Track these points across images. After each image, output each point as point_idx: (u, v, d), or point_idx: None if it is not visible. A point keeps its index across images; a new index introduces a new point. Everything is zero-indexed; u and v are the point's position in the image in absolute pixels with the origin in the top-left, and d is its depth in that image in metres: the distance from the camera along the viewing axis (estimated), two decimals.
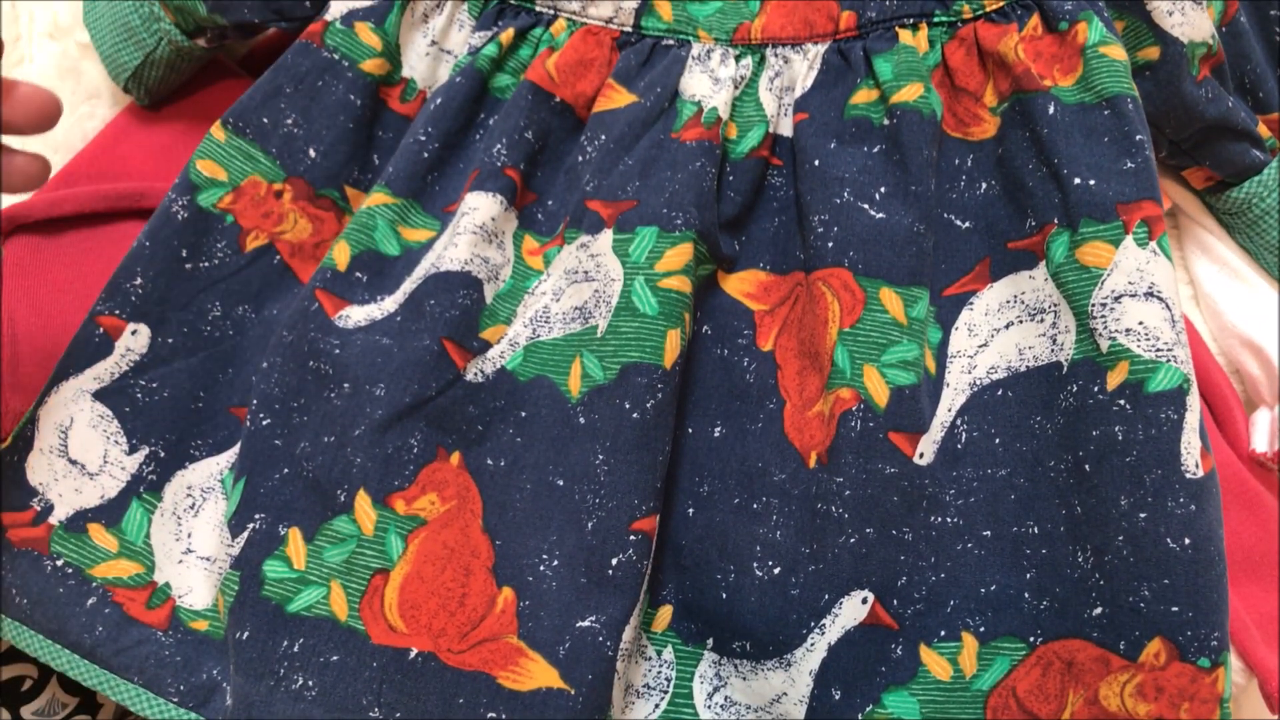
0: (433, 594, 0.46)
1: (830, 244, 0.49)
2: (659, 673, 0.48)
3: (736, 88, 0.52)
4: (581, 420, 0.47)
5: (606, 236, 0.49)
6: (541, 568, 0.46)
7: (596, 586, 0.45)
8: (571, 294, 0.49)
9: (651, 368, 0.47)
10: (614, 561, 0.45)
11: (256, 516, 0.47)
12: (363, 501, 0.47)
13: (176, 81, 0.61)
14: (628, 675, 0.48)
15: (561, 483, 0.47)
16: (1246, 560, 0.54)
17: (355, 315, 0.50)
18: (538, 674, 0.45)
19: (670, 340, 0.47)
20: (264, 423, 0.48)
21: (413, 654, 0.45)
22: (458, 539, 0.47)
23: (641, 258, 0.48)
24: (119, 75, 0.59)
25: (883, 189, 0.50)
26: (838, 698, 0.46)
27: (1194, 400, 0.45)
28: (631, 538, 0.46)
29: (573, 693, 0.44)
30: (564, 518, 0.46)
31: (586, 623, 0.45)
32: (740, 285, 0.51)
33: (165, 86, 0.61)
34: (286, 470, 0.48)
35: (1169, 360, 0.45)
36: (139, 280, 0.51)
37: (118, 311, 0.50)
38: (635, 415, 0.46)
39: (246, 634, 0.45)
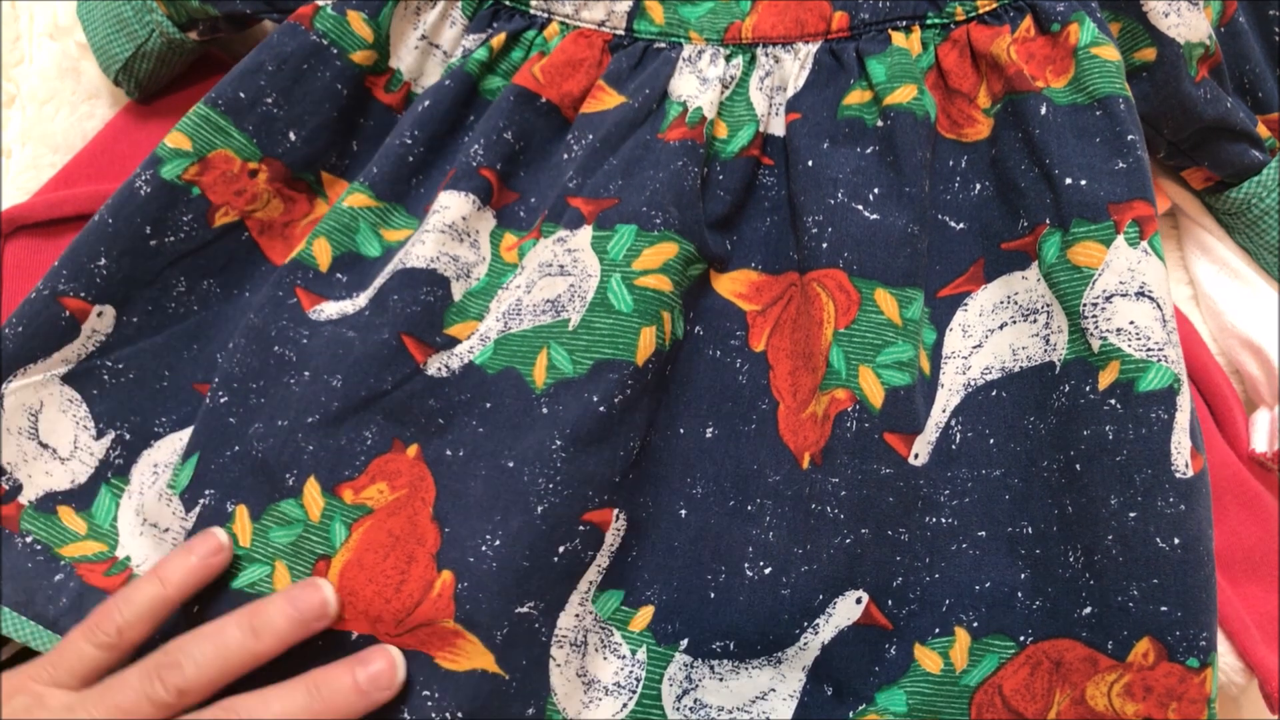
0: (370, 581, 0.45)
1: (825, 245, 0.49)
2: (630, 672, 0.48)
3: (725, 87, 0.52)
4: (544, 410, 0.47)
5: (586, 233, 0.49)
6: (483, 548, 0.45)
7: (538, 571, 0.45)
8: (544, 286, 0.49)
9: (623, 364, 0.47)
10: (560, 549, 0.45)
11: (207, 492, 0.47)
12: (312, 489, 0.47)
13: (167, 76, 0.61)
14: (596, 671, 0.47)
15: (512, 464, 0.46)
16: (1246, 560, 0.54)
17: (329, 310, 0.50)
18: (474, 655, 0.44)
19: (644, 338, 0.47)
20: (221, 400, 0.48)
21: (354, 636, 0.45)
22: (404, 527, 0.46)
23: (620, 255, 0.48)
24: (109, 67, 0.59)
25: (877, 190, 0.50)
26: (829, 694, 0.46)
27: (1185, 400, 0.45)
28: (582, 528, 0.46)
29: (506, 677, 0.44)
30: (510, 498, 0.46)
31: (524, 609, 0.45)
32: (732, 285, 0.51)
33: (155, 80, 0.61)
34: (237, 448, 0.48)
35: (1159, 360, 0.45)
36: (103, 260, 0.50)
37: (83, 294, 0.50)
38: (602, 409, 0.46)
39: (197, 607, 0.46)
